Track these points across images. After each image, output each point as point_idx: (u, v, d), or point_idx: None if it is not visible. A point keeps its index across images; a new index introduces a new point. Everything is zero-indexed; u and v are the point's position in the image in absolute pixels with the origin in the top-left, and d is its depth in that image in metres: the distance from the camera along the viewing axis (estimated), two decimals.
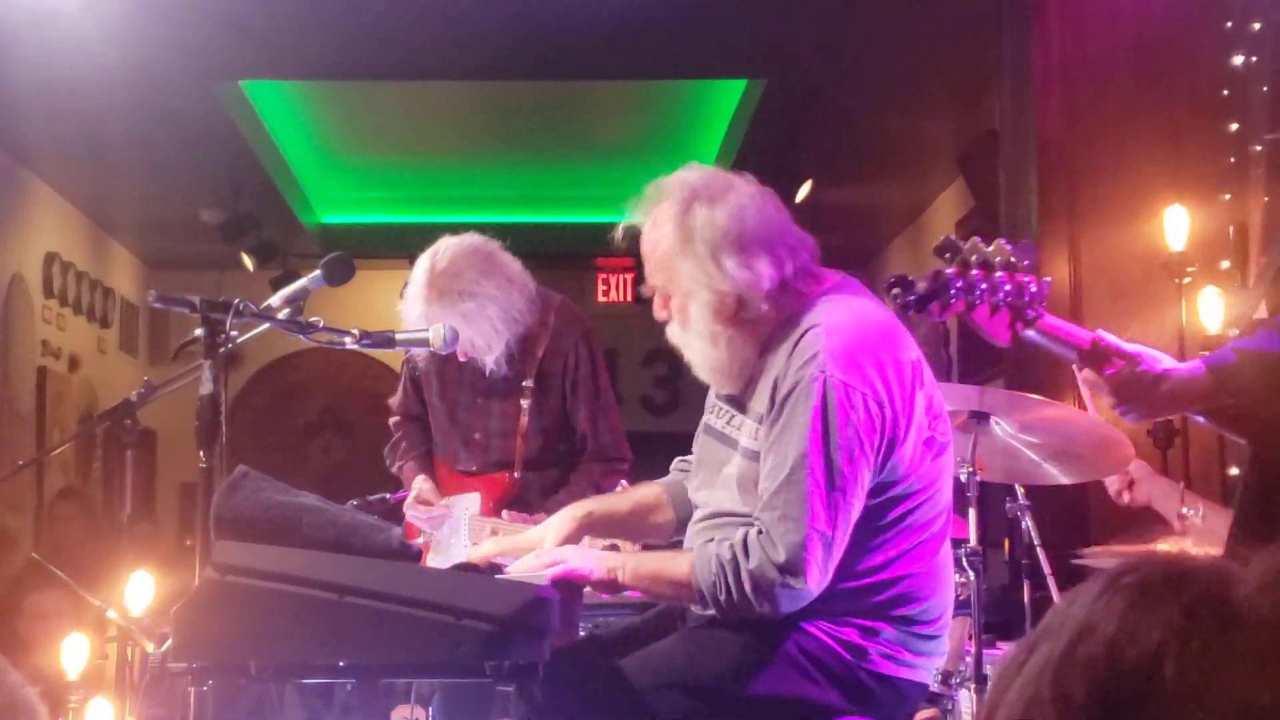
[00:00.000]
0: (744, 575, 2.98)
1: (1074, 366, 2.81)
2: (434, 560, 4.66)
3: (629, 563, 3.18)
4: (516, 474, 4.69)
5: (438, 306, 4.49)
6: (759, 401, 3.14)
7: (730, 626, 3.10)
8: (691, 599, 3.12)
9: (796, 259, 3.16)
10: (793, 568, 2.94)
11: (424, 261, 4.58)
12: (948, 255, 2.57)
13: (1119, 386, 2.68)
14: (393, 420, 5.03)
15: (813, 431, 2.97)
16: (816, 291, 3.19)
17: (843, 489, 2.96)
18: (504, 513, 4.59)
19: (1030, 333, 2.65)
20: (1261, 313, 2.92)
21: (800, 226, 3.25)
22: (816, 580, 2.96)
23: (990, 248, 2.60)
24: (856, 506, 3.00)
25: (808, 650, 3.06)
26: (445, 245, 4.61)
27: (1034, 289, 2.62)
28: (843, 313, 3.11)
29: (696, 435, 3.42)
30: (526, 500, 4.67)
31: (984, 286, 2.57)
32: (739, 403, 3.25)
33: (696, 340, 3.20)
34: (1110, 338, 2.72)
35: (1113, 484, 4.53)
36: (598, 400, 4.75)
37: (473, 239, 4.64)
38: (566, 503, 4.40)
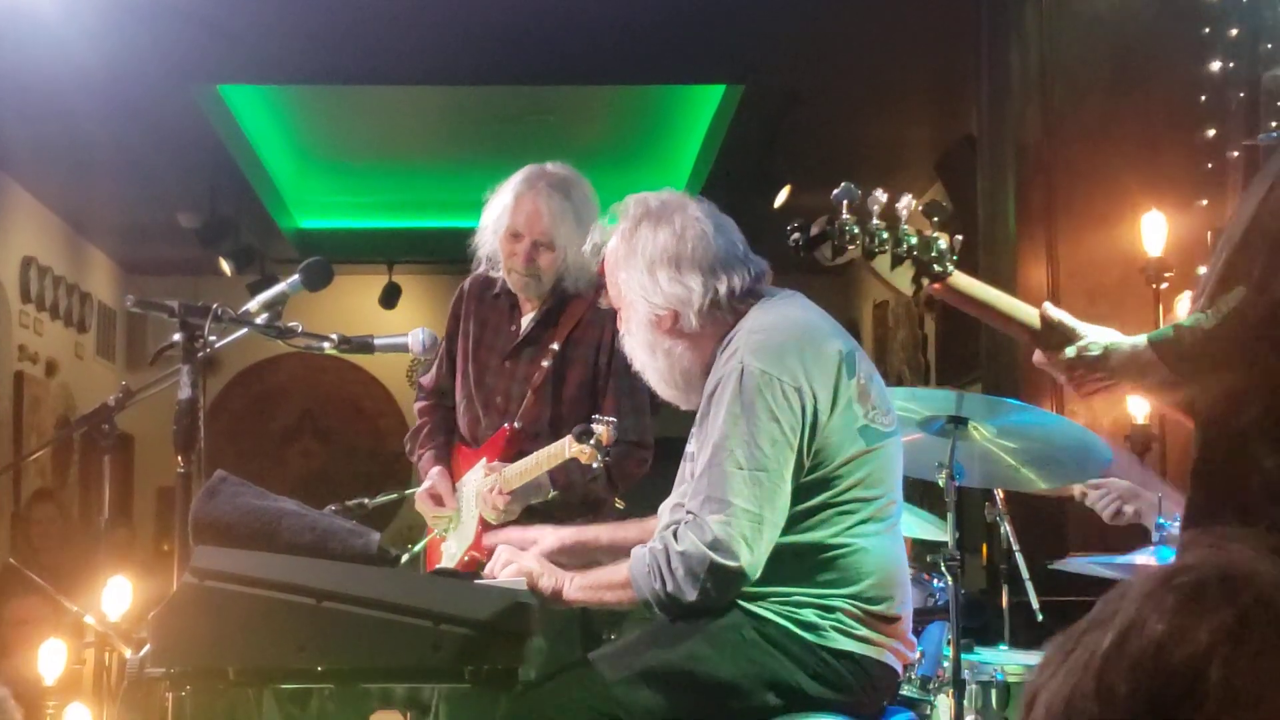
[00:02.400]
0: (675, 560, 3.06)
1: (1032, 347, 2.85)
2: (451, 539, 4.65)
3: (574, 579, 3.28)
4: (517, 424, 4.53)
5: (545, 197, 4.54)
6: (700, 410, 3.28)
7: (690, 618, 3.14)
8: (634, 600, 3.19)
9: (736, 281, 3.31)
10: (720, 546, 3.02)
11: (526, 168, 4.65)
12: (845, 201, 2.57)
13: (1070, 365, 2.73)
14: (419, 405, 4.91)
15: (730, 417, 3.10)
16: (754, 307, 3.33)
17: (764, 468, 3.06)
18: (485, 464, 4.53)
19: (935, 286, 2.65)
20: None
21: (765, 243, 3.39)
22: (748, 558, 3.03)
23: (899, 202, 2.60)
24: (783, 487, 3.08)
25: (766, 633, 3.11)
26: (556, 163, 4.70)
27: (943, 245, 2.62)
28: (767, 315, 3.28)
29: None
30: (526, 454, 4.45)
31: (885, 236, 2.57)
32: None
33: (638, 348, 3.41)
34: (1059, 312, 2.75)
35: (1104, 506, 4.53)
36: (626, 377, 4.46)
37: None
38: (577, 474, 4.39)
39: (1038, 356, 2.79)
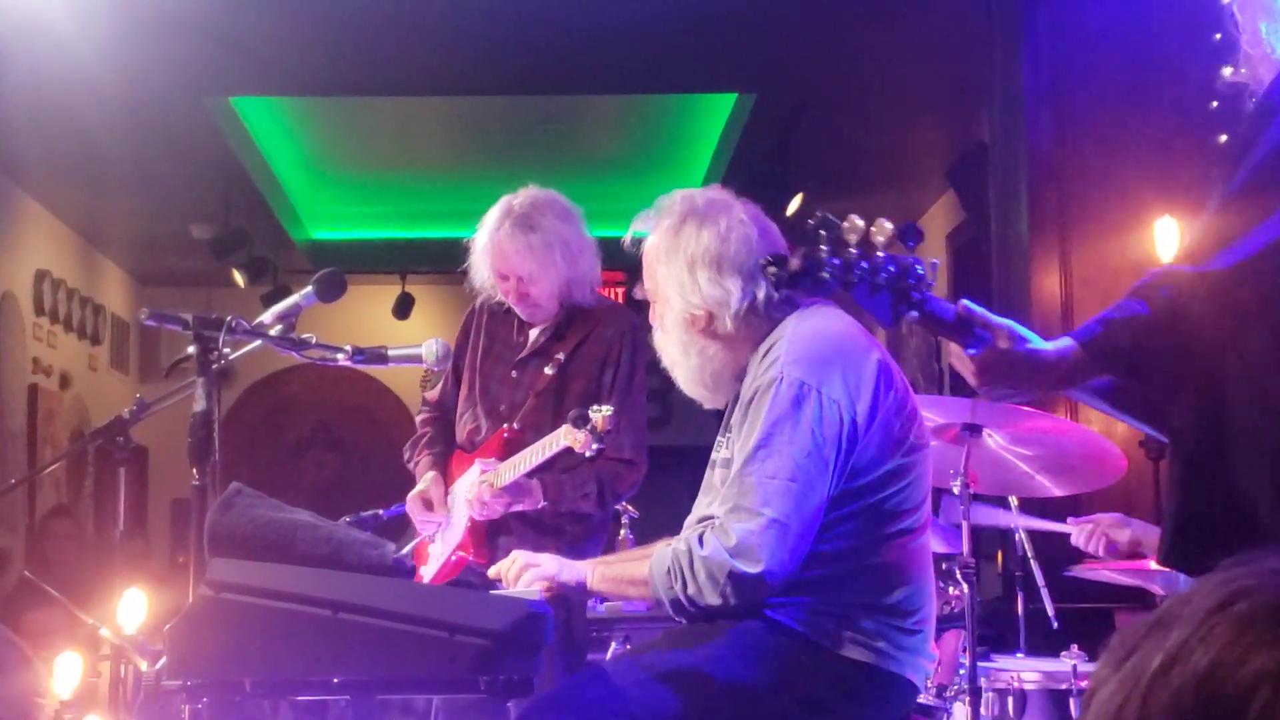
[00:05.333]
0: (697, 564, 3.05)
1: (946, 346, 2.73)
2: (439, 540, 4.70)
3: (597, 569, 3.31)
4: (516, 425, 4.60)
5: (509, 238, 4.58)
6: (736, 417, 3.26)
7: (710, 622, 3.13)
8: (653, 597, 3.19)
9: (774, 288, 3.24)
10: (744, 552, 3.01)
11: (496, 207, 4.70)
12: (822, 233, 2.51)
13: (985, 364, 2.58)
14: (420, 416, 4.98)
15: (765, 426, 3.08)
16: (791, 315, 3.30)
17: (794, 479, 3.04)
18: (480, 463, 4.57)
19: (914, 314, 2.54)
20: None
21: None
22: (770, 566, 3.02)
23: (873, 226, 2.52)
24: (813, 499, 3.06)
25: (786, 640, 3.10)
26: (527, 189, 4.73)
27: (919, 270, 2.52)
28: (805, 325, 3.24)
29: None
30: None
31: (864, 265, 2.49)
32: (727, 426, 3.34)
33: (671, 346, 3.38)
34: (978, 309, 2.60)
35: (1093, 544, 4.47)
36: (628, 395, 4.63)
37: (557, 194, 4.77)
38: (569, 489, 4.47)
39: (954, 351, 2.62)
